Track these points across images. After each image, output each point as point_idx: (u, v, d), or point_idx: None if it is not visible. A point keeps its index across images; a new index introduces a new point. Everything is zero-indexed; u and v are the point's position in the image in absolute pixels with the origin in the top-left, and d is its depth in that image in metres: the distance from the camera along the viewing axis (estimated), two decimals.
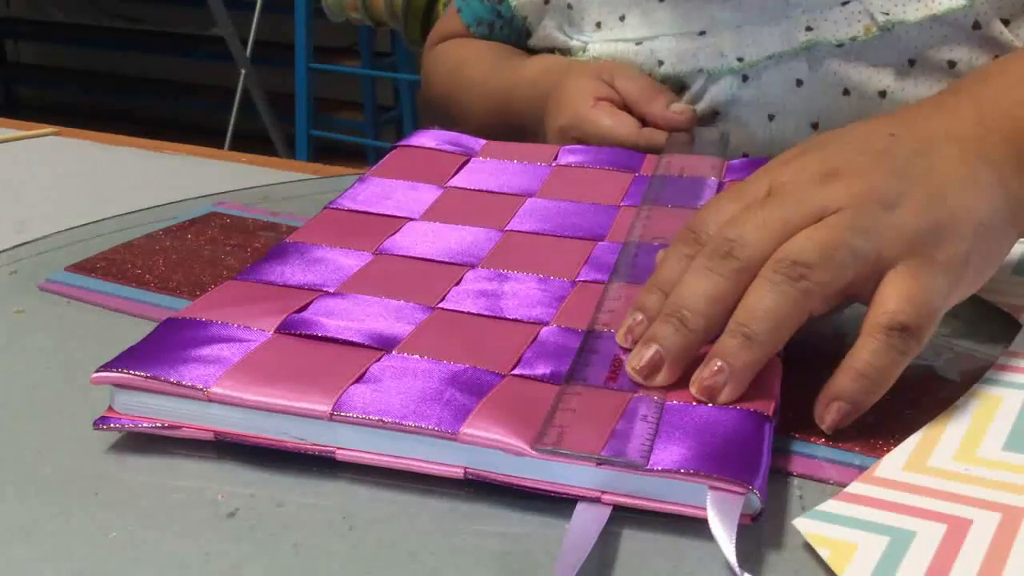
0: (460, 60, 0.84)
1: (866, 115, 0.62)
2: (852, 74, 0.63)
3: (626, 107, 0.66)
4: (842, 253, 0.37)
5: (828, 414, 0.37)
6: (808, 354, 0.43)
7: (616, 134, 0.63)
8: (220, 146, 1.62)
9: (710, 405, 0.36)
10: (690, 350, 0.37)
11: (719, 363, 0.36)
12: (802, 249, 0.37)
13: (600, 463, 0.33)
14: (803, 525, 0.32)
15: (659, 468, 0.32)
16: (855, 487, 0.34)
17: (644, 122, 0.65)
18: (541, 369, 0.38)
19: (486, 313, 0.42)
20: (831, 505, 0.33)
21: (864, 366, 0.37)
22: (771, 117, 0.66)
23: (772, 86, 0.65)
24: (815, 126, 0.65)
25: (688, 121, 0.63)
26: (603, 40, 0.71)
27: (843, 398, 0.37)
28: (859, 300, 0.39)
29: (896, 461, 0.35)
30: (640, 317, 0.39)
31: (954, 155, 0.42)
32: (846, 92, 0.64)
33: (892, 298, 0.37)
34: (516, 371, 0.38)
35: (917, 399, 0.40)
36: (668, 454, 0.33)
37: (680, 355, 0.37)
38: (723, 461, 0.33)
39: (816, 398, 0.38)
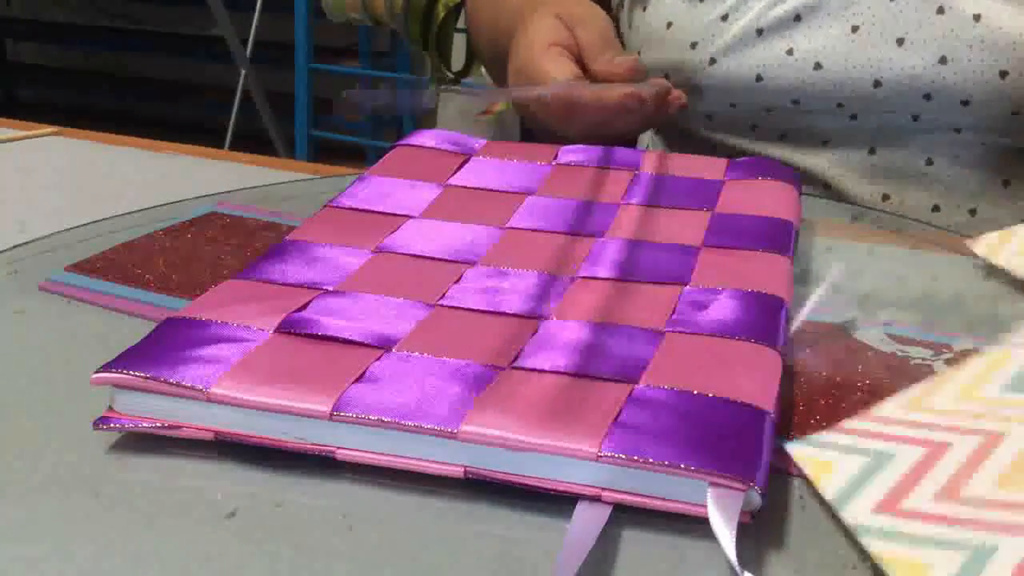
0: None
1: (955, 38, 0.62)
2: None
3: (580, 57, 0.65)
4: None
5: None
6: (810, 356, 0.43)
7: (552, 81, 0.61)
8: (220, 146, 1.62)
9: (710, 395, 0.35)
10: None
11: None
12: None
13: (599, 456, 0.33)
14: (793, 448, 0.34)
15: (660, 461, 0.32)
16: (850, 422, 0.35)
17: (590, 77, 0.64)
18: (541, 361, 0.37)
19: (486, 309, 0.42)
20: (824, 435, 0.34)
21: None
22: (855, 28, 0.65)
23: None
24: (900, 41, 0.64)
25: (628, 71, 0.62)
26: None
27: None
28: None
29: (898, 401, 0.36)
30: None
31: None
32: (940, 11, 0.62)
33: None
34: (516, 364, 0.37)
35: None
36: (667, 447, 0.33)
37: None
38: (723, 456, 0.32)
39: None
